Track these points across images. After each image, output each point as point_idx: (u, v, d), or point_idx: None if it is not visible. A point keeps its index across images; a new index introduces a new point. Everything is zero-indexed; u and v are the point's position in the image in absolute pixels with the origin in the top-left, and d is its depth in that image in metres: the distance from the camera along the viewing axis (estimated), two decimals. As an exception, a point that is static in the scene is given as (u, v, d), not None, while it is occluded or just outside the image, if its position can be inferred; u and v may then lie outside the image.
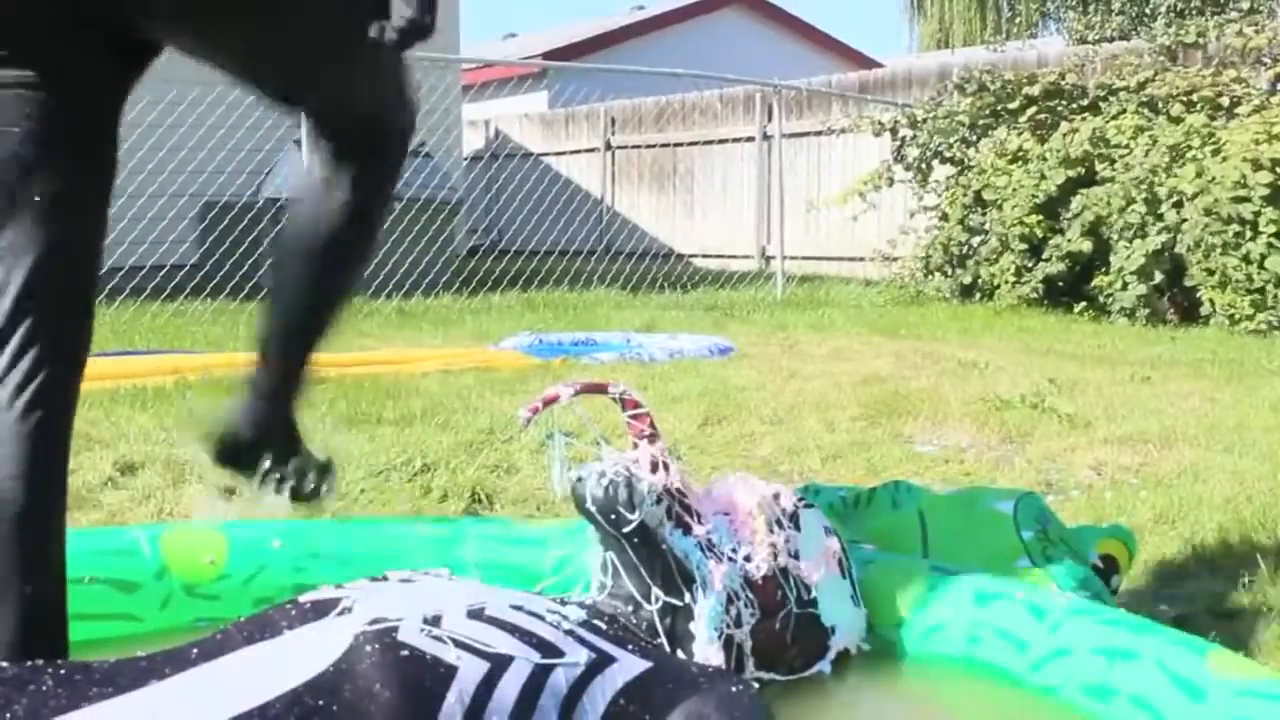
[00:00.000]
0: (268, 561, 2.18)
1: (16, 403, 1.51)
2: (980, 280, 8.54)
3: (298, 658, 1.49)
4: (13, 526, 1.51)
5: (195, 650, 1.54)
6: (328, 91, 1.75)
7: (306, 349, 1.88)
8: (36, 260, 1.52)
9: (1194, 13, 12.60)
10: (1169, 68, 8.73)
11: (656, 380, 4.70)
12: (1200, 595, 2.43)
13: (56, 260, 1.54)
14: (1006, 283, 8.19)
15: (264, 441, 1.87)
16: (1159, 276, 7.43)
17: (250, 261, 8.47)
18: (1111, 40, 12.75)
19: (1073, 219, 7.89)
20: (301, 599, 1.63)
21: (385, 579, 1.72)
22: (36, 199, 1.50)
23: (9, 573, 1.51)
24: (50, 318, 1.54)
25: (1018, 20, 19.49)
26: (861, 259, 11.00)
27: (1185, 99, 8.15)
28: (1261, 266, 6.96)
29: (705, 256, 13.13)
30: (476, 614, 1.57)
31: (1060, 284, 8.15)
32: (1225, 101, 8.06)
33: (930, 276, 9.13)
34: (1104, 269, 7.73)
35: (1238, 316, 6.97)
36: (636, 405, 1.86)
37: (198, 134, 9.51)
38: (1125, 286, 7.50)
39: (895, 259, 9.77)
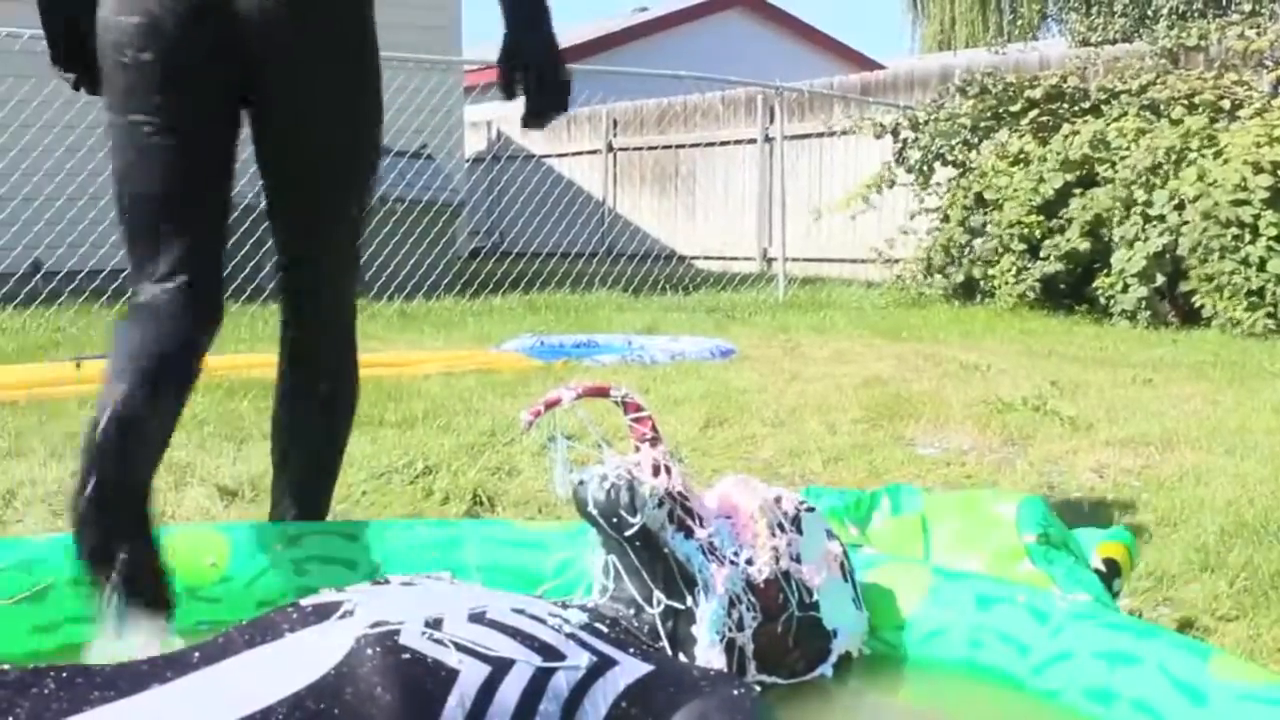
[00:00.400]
0: (270, 564, 2.18)
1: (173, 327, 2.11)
2: (981, 282, 8.55)
3: (299, 661, 1.49)
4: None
5: (197, 654, 1.54)
6: (330, 230, 2.25)
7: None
8: (195, 235, 2.12)
9: (1196, 15, 12.60)
10: (1170, 70, 8.73)
11: (658, 382, 4.70)
12: (1202, 598, 2.43)
13: (209, 232, 2.16)
14: (1006, 284, 8.20)
15: None
16: (1160, 279, 7.43)
17: (252, 264, 8.47)
18: (1114, 42, 12.75)
19: (1072, 219, 7.89)
20: (303, 602, 1.63)
21: (387, 582, 1.72)
22: (184, 195, 2.08)
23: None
24: (201, 271, 2.16)
25: (1019, 22, 19.49)
26: (863, 261, 11.01)
27: (1187, 101, 8.15)
28: (1261, 269, 6.95)
29: (707, 258, 13.14)
30: (478, 617, 1.57)
31: (1061, 286, 8.16)
32: (1227, 104, 8.06)
33: (931, 278, 9.14)
34: (1105, 271, 7.74)
35: (1236, 320, 6.97)
36: (638, 409, 1.86)
37: (200, 136, 9.52)
38: (1126, 289, 7.50)
39: (897, 261, 9.78)
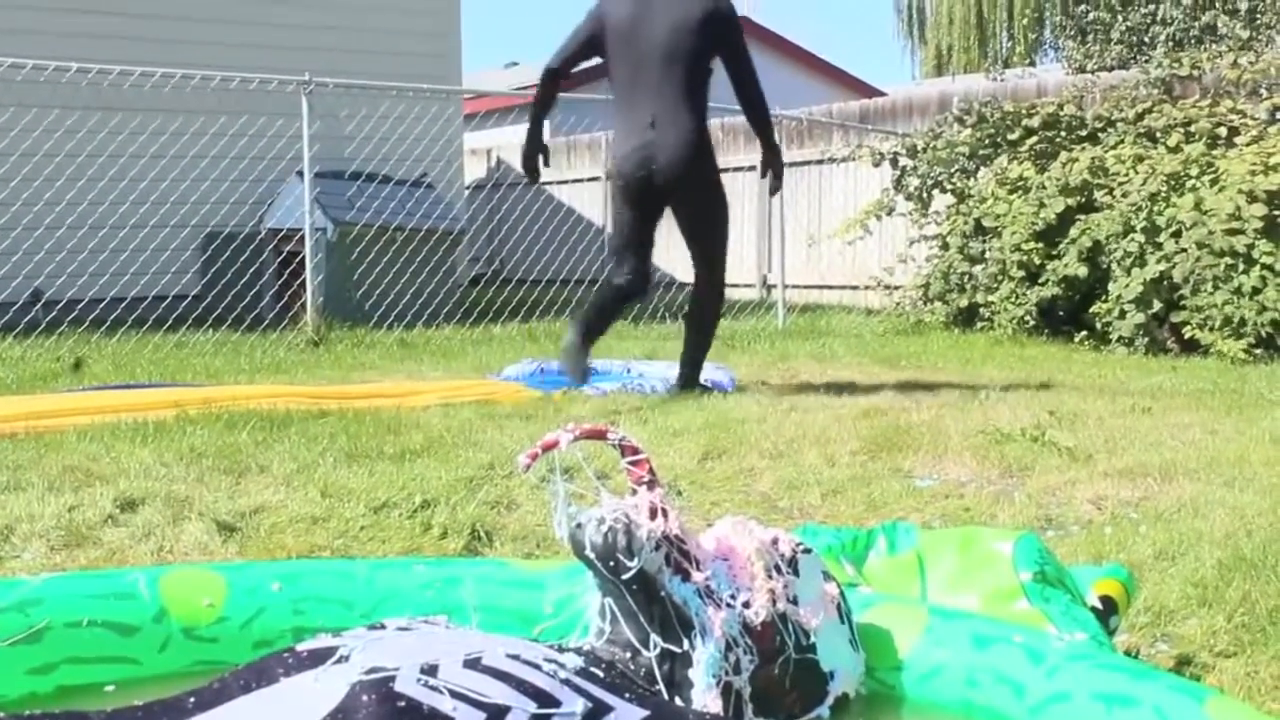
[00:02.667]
0: (266, 604, 2.18)
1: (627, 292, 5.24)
2: (980, 308, 8.56)
3: (295, 707, 1.49)
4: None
5: (192, 699, 1.54)
6: (708, 237, 5.22)
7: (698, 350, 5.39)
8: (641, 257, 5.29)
9: (1192, 43, 12.64)
10: (1165, 99, 8.76)
11: (657, 413, 4.69)
12: (1200, 634, 2.42)
13: (647, 257, 5.31)
14: (1006, 310, 8.21)
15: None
16: (1157, 305, 7.44)
17: (252, 293, 8.49)
18: (1110, 69, 12.80)
19: (1070, 244, 7.91)
20: (298, 647, 1.63)
21: (383, 627, 1.72)
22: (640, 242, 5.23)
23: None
24: (642, 272, 5.30)
25: (1017, 49, 19.56)
26: (863, 288, 11.03)
27: (1183, 129, 8.18)
28: (1253, 298, 6.97)
29: (707, 285, 13.14)
30: (473, 663, 1.57)
31: (1060, 313, 8.17)
32: (1223, 132, 8.09)
33: (930, 305, 9.15)
34: (1103, 297, 7.75)
35: (1227, 350, 6.98)
36: (635, 451, 1.86)
37: (200, 165, 9.56)
38: (1123, 315, 7.51)
39: (896, 288, 9.79)
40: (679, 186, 4.97)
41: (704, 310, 5.29)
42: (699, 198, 5.05)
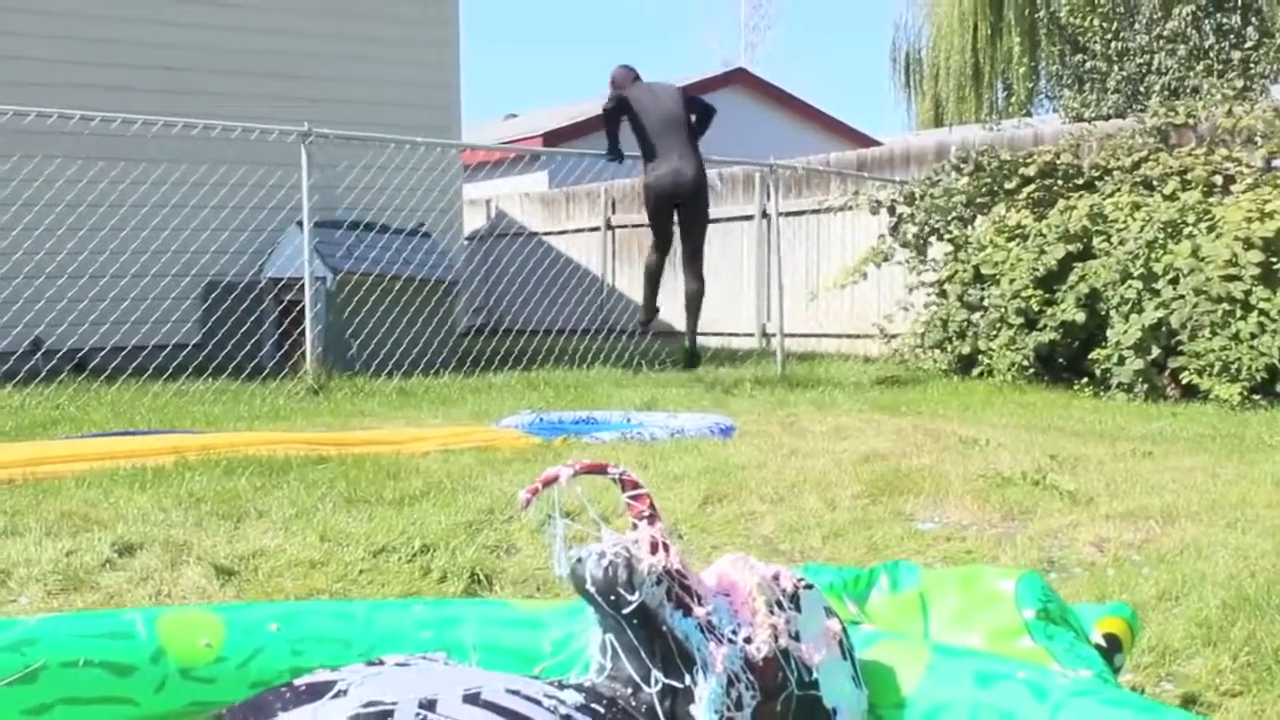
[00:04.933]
0: (265, 644, 2.15)
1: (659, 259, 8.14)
2: (979, 355, 8.57)
3: (292, 743, 1.47)
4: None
5: (189, 736, 1.52)
6: (698, 233, 8.02)
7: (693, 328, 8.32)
8: (667, 238, 8.08)
9: (1188, 92, 12.73)
10: (1161, 148, 8.81)
11: (657, 459, 4.69)
12: (1205, 673, 2.41)
13: (670, 239, 8.06)
14: (1005, 357, 8.22)
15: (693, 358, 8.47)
16: (1156, 351, 7.44)
17: (252, 341, 8.50)
18: (1107, 118, 12.88)
19: (1068, 291, 7.93)
20: (296, 682, 1.62)
21: (381, 663, 1.70)
22: (665, 229, 8.03)
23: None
24: (667, 247, 8.10)
25: (1013, 100, 19.68)
26: (862, 336, 11.04)
27: (1180, 177, 8.22)
28: (1251, 345, 6.98)
29: (705, 334, 13.16)
30: (472, 698, 1.55)
31: (1060, 359, 8.18)
32: (1219, 179, 8.13)
33: (929, 352, 9.16)
34: (1102, 343, 7.76)
35: (1226, 395, 6.98)
36: (636, 486, 1.85)
37: (201, 214, 9.60)
38: (1122, 361, 7.51)
39: (895, 335, 9.80)
40: (692, 196, 7.82)
41: (697, 295, 8.05)
42: (701, 205, 7.93)
